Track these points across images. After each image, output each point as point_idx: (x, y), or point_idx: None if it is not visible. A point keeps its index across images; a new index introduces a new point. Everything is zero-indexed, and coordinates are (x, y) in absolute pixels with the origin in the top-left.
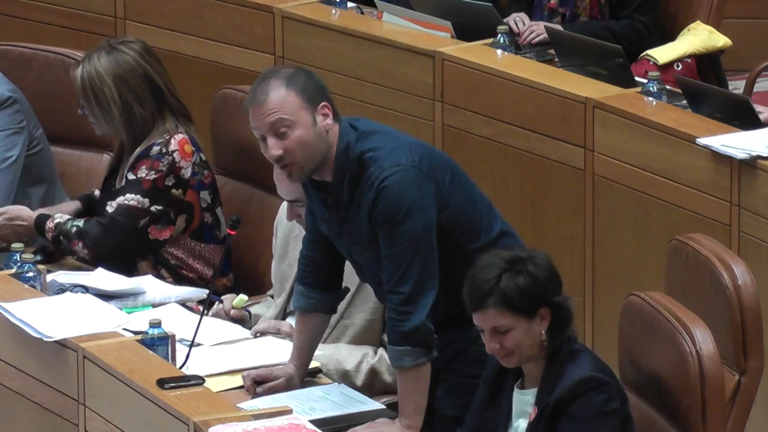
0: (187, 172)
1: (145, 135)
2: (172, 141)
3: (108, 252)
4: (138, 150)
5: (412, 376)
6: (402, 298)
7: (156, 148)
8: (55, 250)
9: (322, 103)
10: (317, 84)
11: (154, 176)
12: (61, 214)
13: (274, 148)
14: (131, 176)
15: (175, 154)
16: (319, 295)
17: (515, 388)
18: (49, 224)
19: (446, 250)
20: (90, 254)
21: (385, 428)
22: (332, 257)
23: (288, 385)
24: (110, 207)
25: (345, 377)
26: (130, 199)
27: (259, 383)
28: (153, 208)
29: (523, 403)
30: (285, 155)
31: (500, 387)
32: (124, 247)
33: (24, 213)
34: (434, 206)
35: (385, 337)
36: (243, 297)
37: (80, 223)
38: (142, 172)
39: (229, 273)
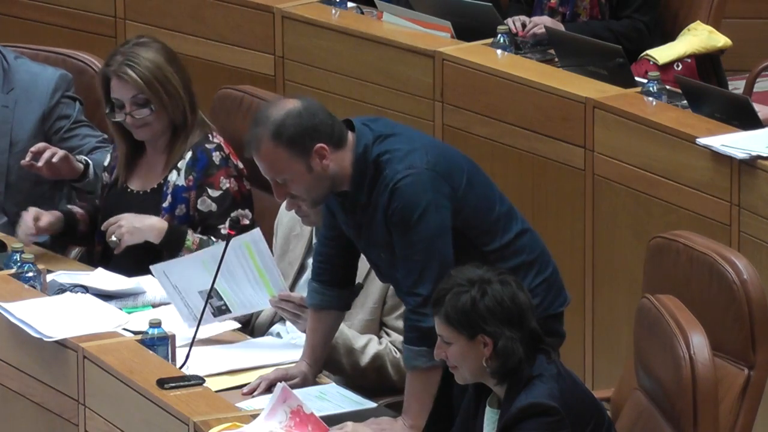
0: (242, 169)
1: (183, 121)
2: (221, 144)
3: None
4: (190, 154)
5: (424, 378)
6: (420, 300)
7: (216, 154)
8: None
9: (316, 146)
10: (311, 123)
11: (236, 184)
12: (190, 230)
13: (278, 196)
14: (216, 192)
15: (230, 156)
16: (333, 291)
17: (487, 405)
18: (194, 237)
19: (462, 252)
20: None
21: (388, 426)
22: (347, 253)
23: (303, 384)
24: (224, 229)
25: (350, 354)
26: (240, 216)
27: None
28: (253, 216)
29: (492, 421)
30: (290, 200)
31: (486, 394)
32: None
33: (155, 226)
34: (449, 208)
35: (387, 333)
36: None
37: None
38: (224, 184)
39: None
